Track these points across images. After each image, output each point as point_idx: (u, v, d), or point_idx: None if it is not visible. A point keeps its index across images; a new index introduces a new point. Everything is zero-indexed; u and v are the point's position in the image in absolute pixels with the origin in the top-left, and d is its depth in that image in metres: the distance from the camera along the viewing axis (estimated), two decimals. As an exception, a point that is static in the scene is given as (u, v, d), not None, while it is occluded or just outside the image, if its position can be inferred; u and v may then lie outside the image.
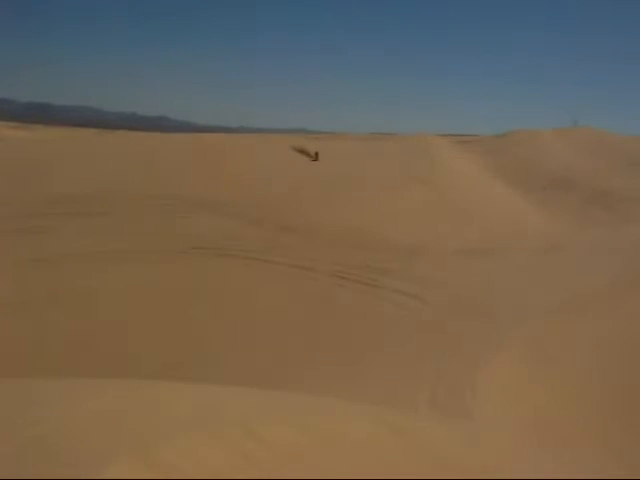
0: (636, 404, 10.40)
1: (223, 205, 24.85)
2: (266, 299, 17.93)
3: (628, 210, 36.27)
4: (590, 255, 21.19)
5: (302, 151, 15.09)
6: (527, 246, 23.63)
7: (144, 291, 18.02)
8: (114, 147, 40.80)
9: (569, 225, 32.52)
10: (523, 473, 7.04)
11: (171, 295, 17.85)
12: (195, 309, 17.06)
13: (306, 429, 4.87)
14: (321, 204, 25.50)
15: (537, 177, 42.84)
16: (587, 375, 11.47)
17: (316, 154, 14.78)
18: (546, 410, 10.07)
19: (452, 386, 10.13)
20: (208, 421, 4.52)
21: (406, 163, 35.28)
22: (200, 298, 17.72)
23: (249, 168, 32.76)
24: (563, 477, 7.52)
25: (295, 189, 27.81)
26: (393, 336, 15.47)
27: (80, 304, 17.06)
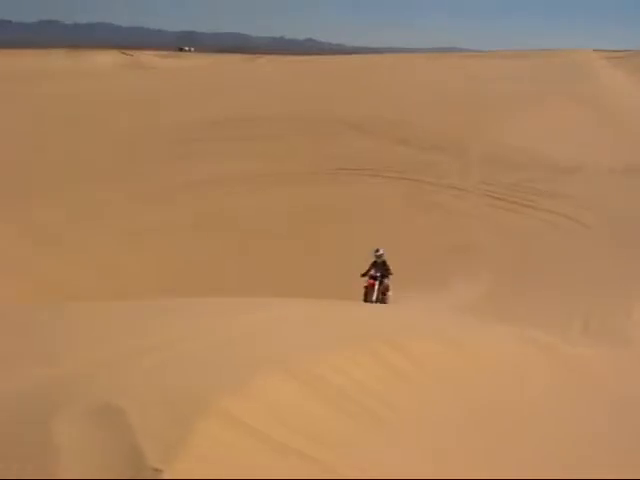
0: None
1: (370, 125, 24.66)
2: (411, 219, 17.80)
3: None
4: None
5: None
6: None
7: (289, 212, 18.42)
8: (263, 72, 41.47)
9: None
10: None
11: (316, 217, 18.10)
12: (341, 231, 17.23)
13: (453, 345, 4.81)
14: (471, 123, 24.70)
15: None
16: None
17: None
18: None
19: (607, 314, 9.84)
20: (355, 336, 4.55)
21: (559, 81, 33.63)
22: (348, 219, 17.86)
23: (396, 88, 32.34)
24: None
25: (444, 109, 27.12)
26: (551, 259, 15.04)
27: (226, 226, 17.72)
